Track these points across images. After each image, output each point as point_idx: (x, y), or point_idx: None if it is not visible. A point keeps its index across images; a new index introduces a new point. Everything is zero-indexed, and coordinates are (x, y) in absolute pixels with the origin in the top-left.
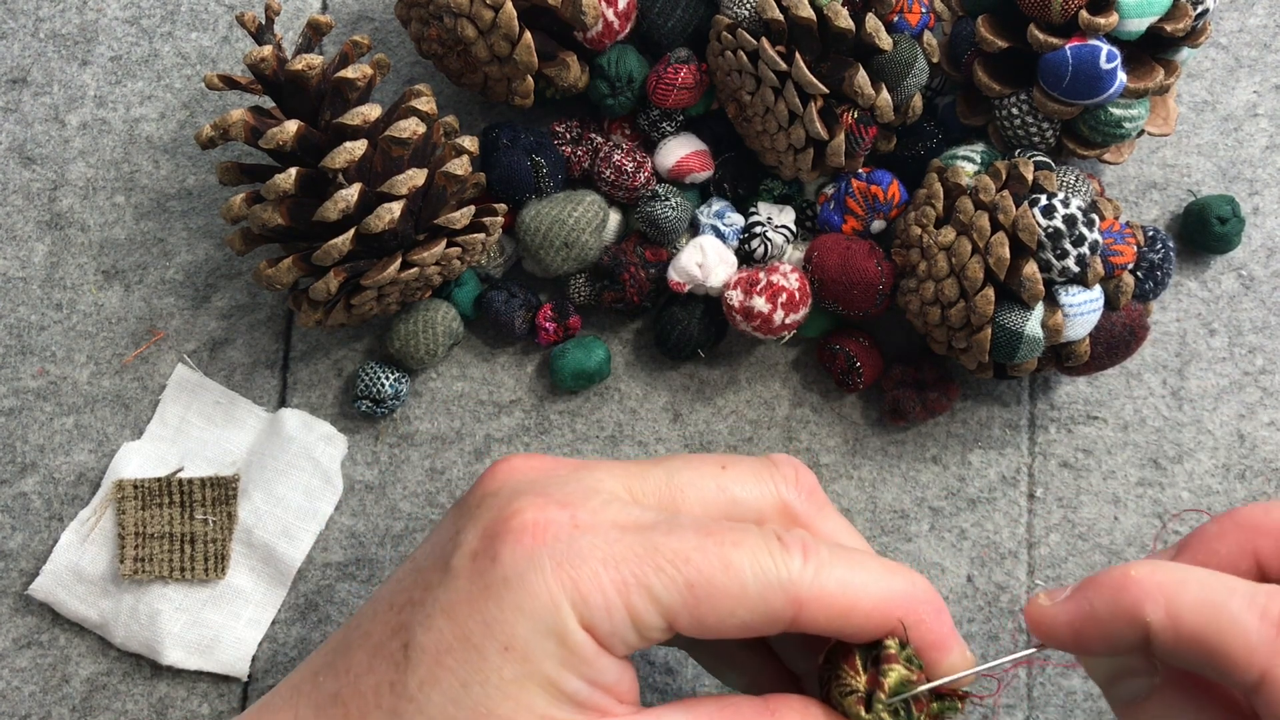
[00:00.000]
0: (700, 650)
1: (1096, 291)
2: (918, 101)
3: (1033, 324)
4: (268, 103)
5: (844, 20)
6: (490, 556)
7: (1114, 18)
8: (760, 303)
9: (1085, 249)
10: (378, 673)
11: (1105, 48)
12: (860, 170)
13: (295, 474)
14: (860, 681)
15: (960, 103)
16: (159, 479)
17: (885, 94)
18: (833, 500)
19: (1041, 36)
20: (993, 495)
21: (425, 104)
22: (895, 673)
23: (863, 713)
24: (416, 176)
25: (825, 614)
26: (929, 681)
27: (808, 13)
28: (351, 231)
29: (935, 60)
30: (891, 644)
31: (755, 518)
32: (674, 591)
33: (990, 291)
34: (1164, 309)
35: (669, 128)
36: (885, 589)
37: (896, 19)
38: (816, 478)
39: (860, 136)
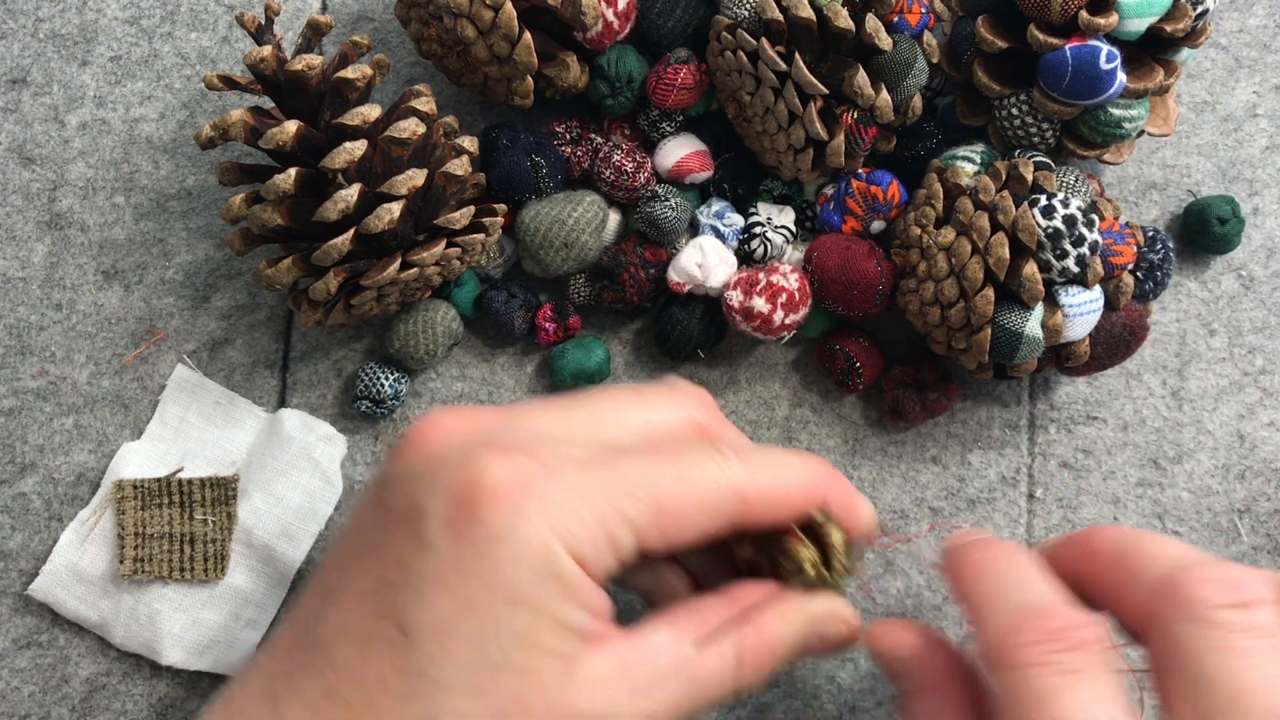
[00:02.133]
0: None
1: (1096, 292)
2: (917, 102)
3: (1032, 324)
4: (267, 103)
5: (844, 20)
6: (471, 518)
7: (1114, 18)
8: (760, 303)
9: (1085, 249)
10: (375, 660)
11: (1105, 48)
12: (860, 170)
13: (295, 474)
14: (811, 552)
15: (960, 103)
16: (159, 479)
17: (885, 94)
18: None
19: (1041, 37)
20: (992, 496)
21: (425, 104)
22: (837, 534)
23: (827, 574)
24: (416, 177)
25: (766, 505)
26: (847, 538)
27: (807, 13)
28: (351, 232)
29: (935, 60)
30: (818, 515)
31: (674, 437)
32: (645, 513)
33: (990, 292)
34: (1164, 309)
35: (669, 128)
36: (805, 474)
37: (896, 19)
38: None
39: (860, 137)
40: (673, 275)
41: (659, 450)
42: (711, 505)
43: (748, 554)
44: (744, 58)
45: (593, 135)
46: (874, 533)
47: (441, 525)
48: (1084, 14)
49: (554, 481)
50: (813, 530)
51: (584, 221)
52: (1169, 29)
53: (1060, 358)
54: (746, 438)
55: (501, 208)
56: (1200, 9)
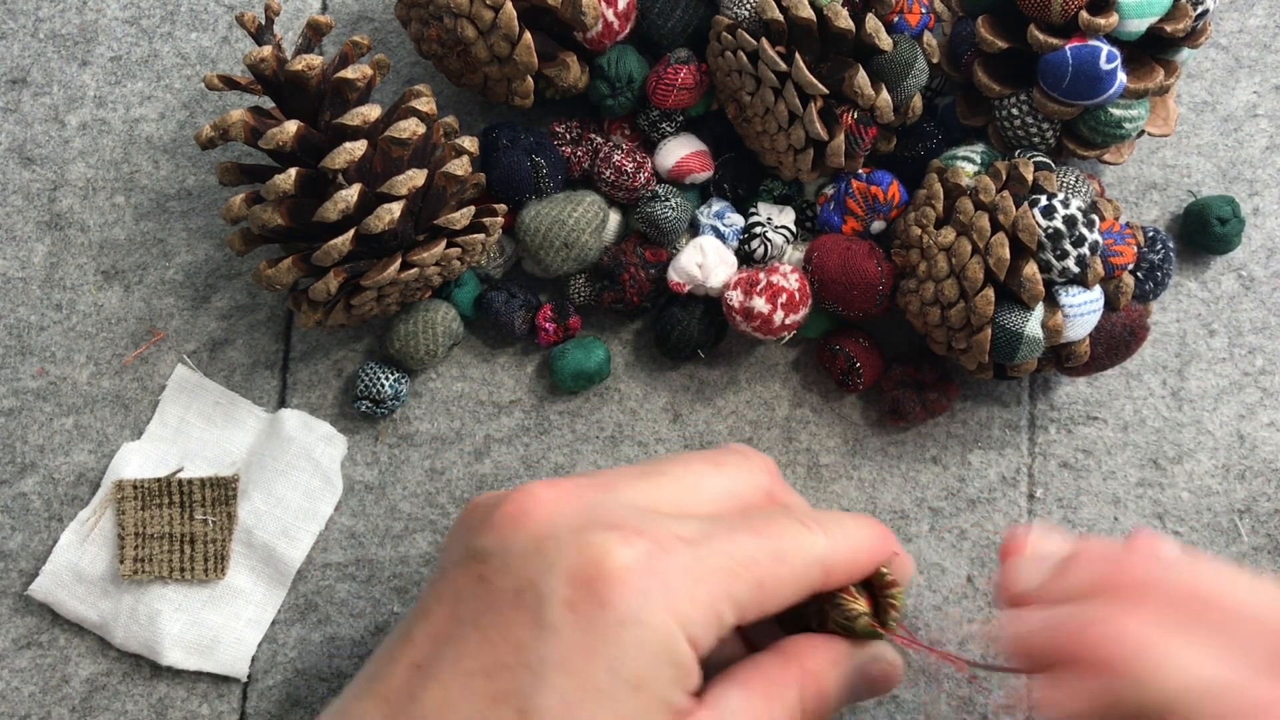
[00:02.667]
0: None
1: (1096, 292)
2: (917, 102)
3: (1033, 324)
4: (267, 103)
5: (844, 21)
6: (598, 603)
7: (1114, 18)
8: (760, 303)
9: (1085, 249)
10: None
11: (1105, 48)
12: (860, 171)
13: (295, 474)
14: (863, 605)
15: (960, 103)
16: (159, 479)
17: (885, 94)
18: (833, 500)
19: (1041, 37)
20: (992, 496)
21: (425, 104)
22: (898, 591)
23: (878, 628)
24: (416, 177)
25: (844, 573)
26: (897, 588)
27: (808, 13)
28: (351, 232)
29: (935, 61)
30: (885, 570)
31: (748, 505)
32: (749, 593)
33: (990, 292)
34: (1164, 309)
35: (669, 128)
36: (874, 539)
37: (896, 19)
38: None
39: (860, 137)
40: (673, 275)
41: (752, 525)
42: (802, 578)
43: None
44: (744, 58)
45: (593, 135)
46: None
47: (564, 608)
48: (1084, 14)
49: (671, 563)
50: (867, 584)
51: (584, 221)
52: (1169, 29)
53: (1060, 358)
54: (806, 501)
55: (501, 208)
56: (1200, 9)
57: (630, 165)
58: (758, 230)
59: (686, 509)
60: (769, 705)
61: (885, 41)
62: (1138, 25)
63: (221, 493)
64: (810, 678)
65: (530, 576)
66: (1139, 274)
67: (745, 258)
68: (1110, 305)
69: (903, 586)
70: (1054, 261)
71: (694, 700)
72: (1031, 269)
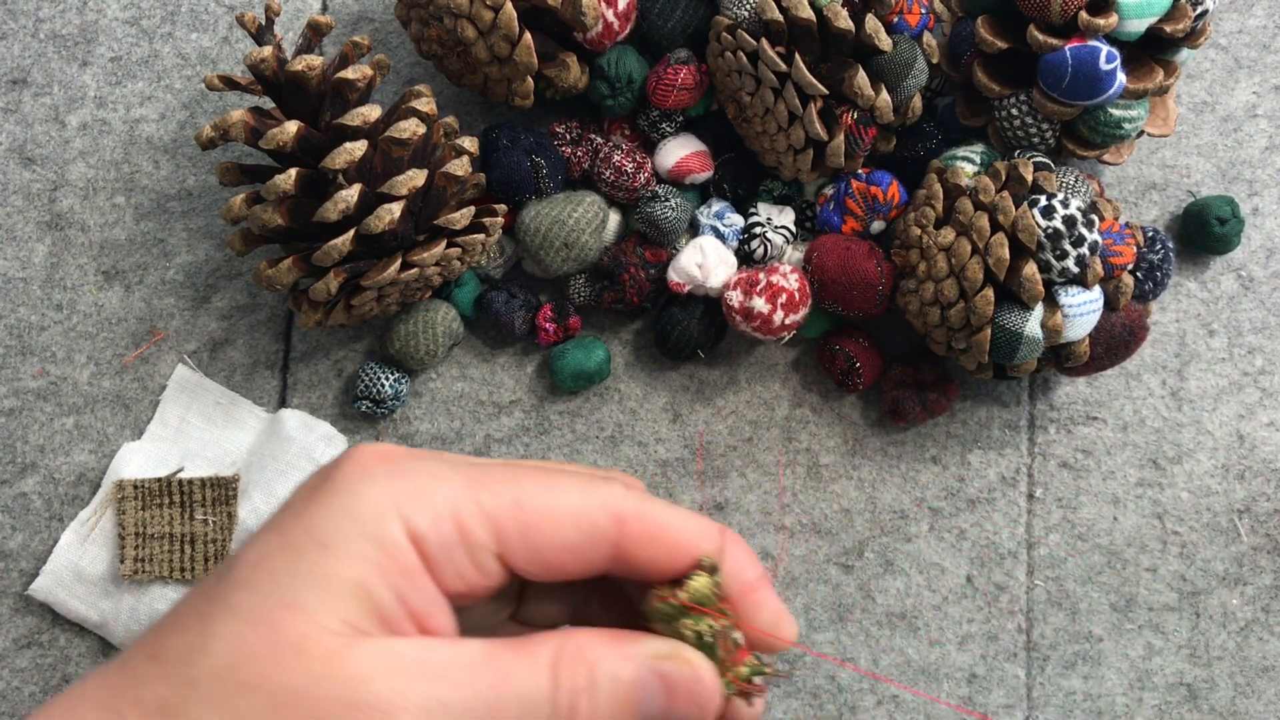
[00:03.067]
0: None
1: (1096, 292)
2: (917, 102)
3: (1032, 324)
4: (268, 103)
5: (844, 21)
6: (324, 477)
7: (1114, 19)
8: (760, 303)
9: (1085, 249)
10: (199, 592)
11: (1105, 48)
12: (860, 171)
13: (295, 474)
14: (668, 595)
15: (960, 103)
16: (159, 479)
17: (885, 95)
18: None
19: (1041, 37)
20: (992, 496)
21: (425, 104)
22: (699, 580)
23: (670, 629)
24: (416, 177)
25: (645, 536)
26: (736, 627)
27: (807, 13)
28: (351, 232)
29: (935, 61)
30: (705, 563)
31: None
32: (502, 505)
33: (990, 292)
34: (1163, 309)
35: (669, 128)
36: (700, 524)
37: (896, 20)
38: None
39: (860, 137)
40: (673, 275)
41: (535, 464)
42: (580, 517)
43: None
44: (744, 58)
45: (593, 135)
46: (785, 639)
47: (303, 490)
48: (1084, 14)
49: (417, 463)
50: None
51: (584, 222)
52: (1169, 29)
53: (1060, 358)
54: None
55: (501, 208)
56: (1200, 10)
57: (630, 165)
58: (758, 230)
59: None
60: (513, 663)
61: (885, 42)
62: (1137, 26)
63: (222, 493)
64: (572, 649)
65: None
66: (1138, 274)
67: (745, 258)
68: (1110, 305)
69: (721, 586)
70: (1054, 261)
71: (408, 613)
72: (1031, 269)
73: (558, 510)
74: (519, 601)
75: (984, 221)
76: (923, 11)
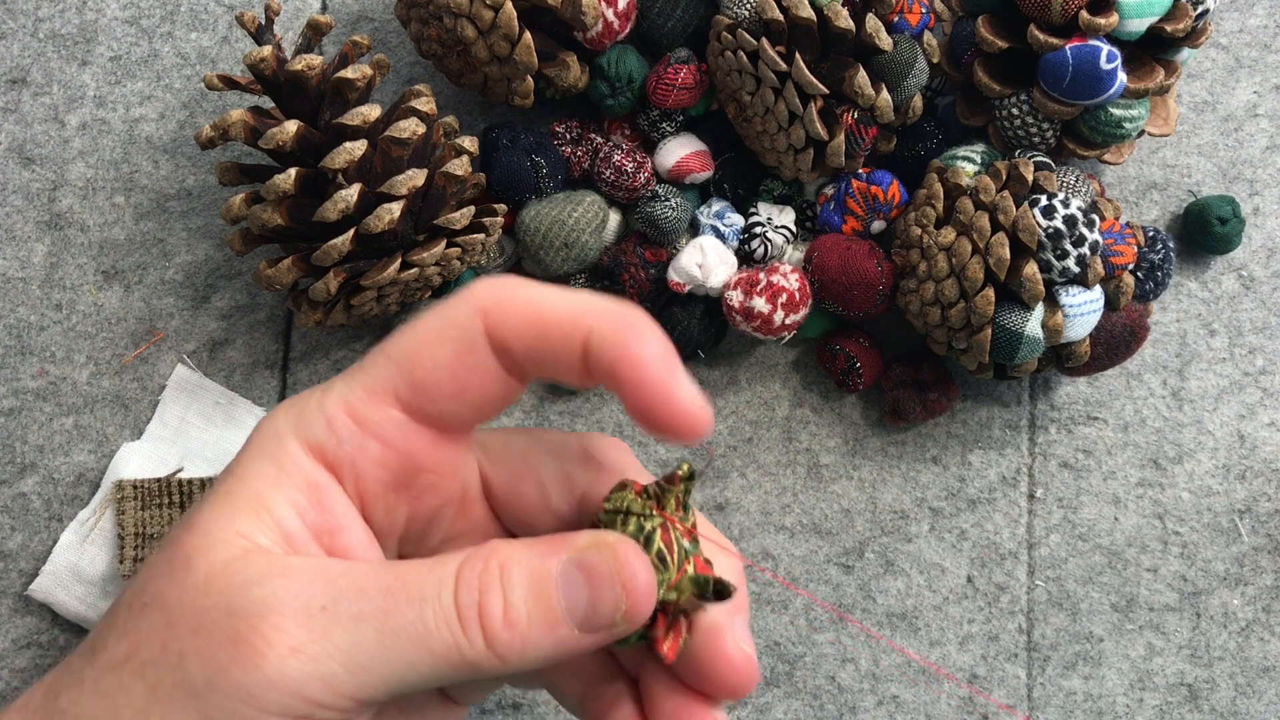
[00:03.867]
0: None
1: (1097, 292)
2: (918, 102)
3: (1033, 324)
4: (267, 103)
5: (844, 20)
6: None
7: (1114, 18)
8: (760, 303)
9: (1085, 249)
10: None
11: (1105, 48)
12: (860, 170)
13: None
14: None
15: (960, 103)
16: (159, 479)
17: (885, 94)
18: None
19: (1042, 37)
20: (993, 496)
21: (425, 104)
22: (624, 495)
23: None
24: (416, 177)
25: (515, 326)
26: (693, 532)
27: (808, 13)
28: (351, 232)
29: (935, 60)
30: (680, 470)
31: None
32: (380, 372)
33: (990, 292)
34: (1164, 309)
35: (669, 128)
36: (576, 299)
37: (896, 19)
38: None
39: (860, 137)
40: (673, 275)
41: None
42: (446, 330)
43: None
44: (744, 58)
45: (593, 135)
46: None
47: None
48: (1084, 14)
49: (313, 389)
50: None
51: (584, 221)
52: (1169, 29)
53: (1061, 358)
54: None
55: (501, 208)
56: (1201, 9)
57: (630, 165)
58: (758, 230)
59: None
60: (413, 567)
61: (885, 41)
62: (1138, 25)
63: None
64: (484, 551)
65: None
66: (1139, 274)
67: (745, 258)
68: (1110, 305)
69: (687, 529)
70: (1054, 261)
71: (313, 531)
72: (1032, 269)
73: (422, 337)
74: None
75: (984, 221)
76: (923, 11)
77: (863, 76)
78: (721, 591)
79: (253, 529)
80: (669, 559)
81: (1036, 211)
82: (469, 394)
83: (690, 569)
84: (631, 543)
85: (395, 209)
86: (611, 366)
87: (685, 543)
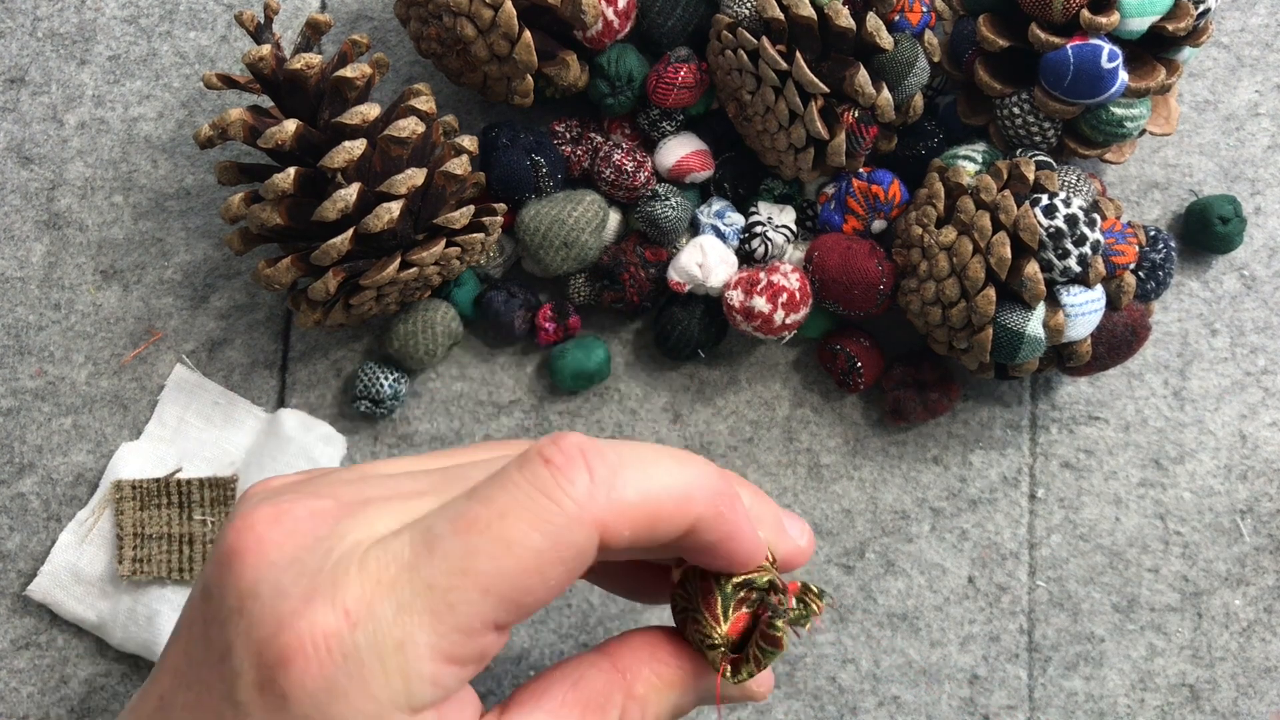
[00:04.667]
0: (604, 583)
1: (1098, 291)
2: (919, 101)
3: (1034, 324)
4: (266, 102)
5: (845, 19)
6: (279, 695)
7: (1115, 17)
8: (760, 303)
9: (1087, 249)
10: None
11: (1107, 47)
12: (861, 170)
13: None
14: (720, 632)
15: (961, 102)
16: (157, 479)
17: (886, 93)
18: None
19: (1043, 36)
20: (994, 496)
21: (424, 103)
22: (782, 624)
23: (729, 674)
24: (416, 176)
25: (631, 530)
26: (779, 600)
27: (808, 12)
28: (350, 231)
29: (936, 59)
30: (759, 578)
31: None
32: (477, 610)
33: (991, 291)
34: (1166, 309)
35: (669, 127)
36: (681, 482)
37: (897, 18)
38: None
39: (861, 136)
40: (673, 275)
41: (464, 510)
42: (554, 556)
43: (672, 581)
44: (744, 57)
45: (593, 134)
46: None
47: (253, 690)
48: (1085, 13)
49: (365, 636)
50: (746, 600)
51: (584, 221)
52: (1171, 28)
53: (1062, 357)
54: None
55: (501, 207)
56: (1202, 8)
57: (630, 164)
58: (758, 230)
59: (443, 485)
60: None
61: (886, 40)
62: (1139, 24)
63: (220, 493)
64: (635, 704)
65: (230, 640)
66: (1140, 273)
67: (745, 257)
68: (1112, 305)
69: (786, 614)
70: (1055, 261)
71: None
72: (1033, 268)
73: (529, 569)
74: None
75: (985, 221)
76: (924, 10)
77: (863, 75)
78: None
79: None
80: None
81: (1038, 211)
82: (564, 588)
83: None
84: (766, 685)
85: (394, 208)
86: (713, 549)
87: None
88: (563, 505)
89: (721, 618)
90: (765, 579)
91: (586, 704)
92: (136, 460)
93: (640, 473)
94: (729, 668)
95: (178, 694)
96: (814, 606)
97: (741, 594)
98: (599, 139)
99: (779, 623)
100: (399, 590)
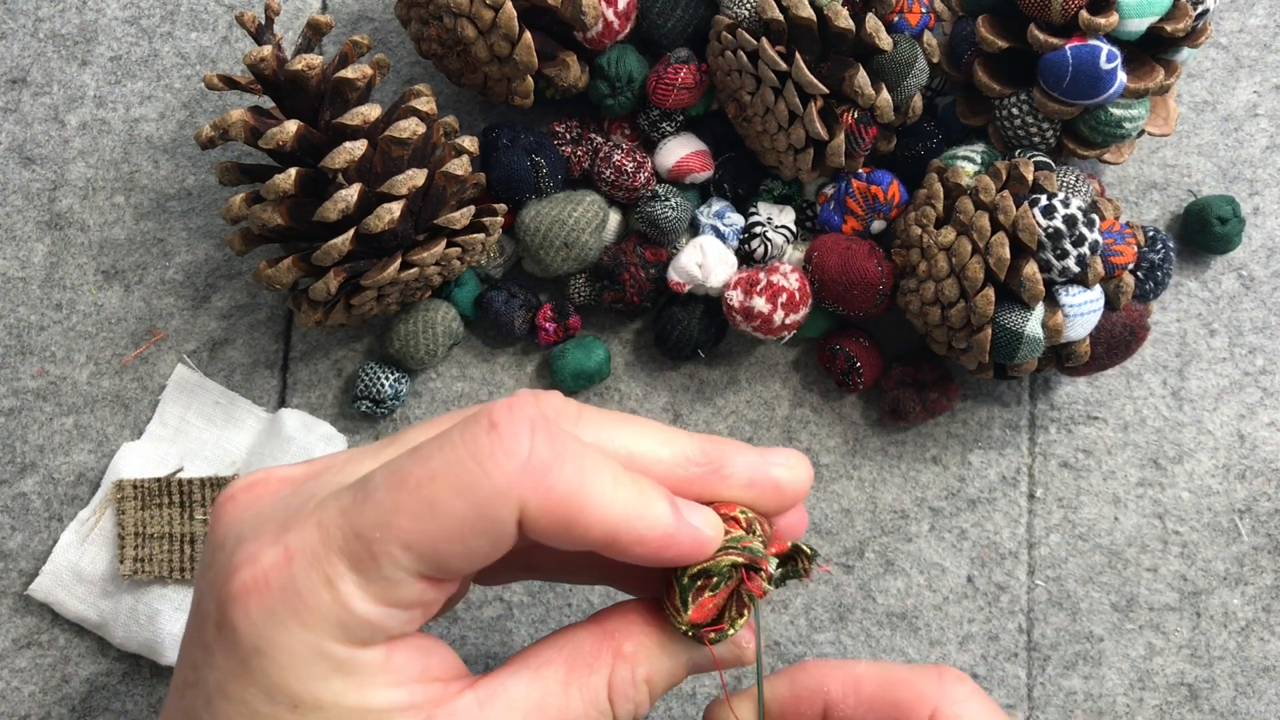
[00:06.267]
0: (544, 573)
1: (1097, 292)
2: (918, 101)
3: (1033, 324)
4: (267, 103)
5: (844, 20)
6: (230, 628)
7: (1114, 18)
8: (760, 303)
9: (1085, 249)
10: None
11: (1105, 48)
12: (860, 170)
13: None
14: (683, 620)
15: (960, 103)
16: (159, 479)
17: (885, 94)
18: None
19: (1042, 36)
20: (993, 495)
21: (425, 104)
22: (757, 592)
23: (702, 638)
24: (416, 176)
25: (548, 525)
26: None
27: (808, 13)
28: (351, 232)
29: (935, 60)
30: (719, 563)
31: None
32: (401, 563)
33: (990, 292)
34: (1164, 309)
35: (669, 128)
36: (617, 510)
37: (896, 19)
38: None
39: (860, 136)
40: (673, 275)
41: (402, 467)
42: (476, 520)
43: None
44: (744, 57)
45: (593, 135)
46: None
47: (213, 629)
48: (1084, 14)
49: (301, 570)
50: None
51: (584, 221)
52: (1169, 29)
53: (1061, 357)
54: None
55: (501, 207)
56: (1200, 9)
57: (630, 165)
58: (758, 230)
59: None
60: (563, 694)
61: (885, 41)
62: (1138, 25)
63: (221, 493)
64: (625, 662)
65: (201, 591)
66: (1139, 274)
67: (745, 257)
68: (1110, 305)
69: (769, 583)
70: (1054, 261)
71: (452, 684)
72: (1032, 268)
73: (449, 527)
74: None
75: (984, 221)
76: (923, 11)
77: (863, 76)
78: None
79: None
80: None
81: (1036, 211)
82: (493, 559)
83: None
84: (748, 646)
85: (395, 209)
86: (642, 562)
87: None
88: (491, 477)
89: (681, 608)
90: (727, 562)
91: (573, 663)
92: (138, 460)
93: (578, 471)
94: (712, 636)
95: (182, 652)
96: (802, 567)
97: (700, 582)
98: (599, 139)
99: (745, 611)
100: (333, 534)
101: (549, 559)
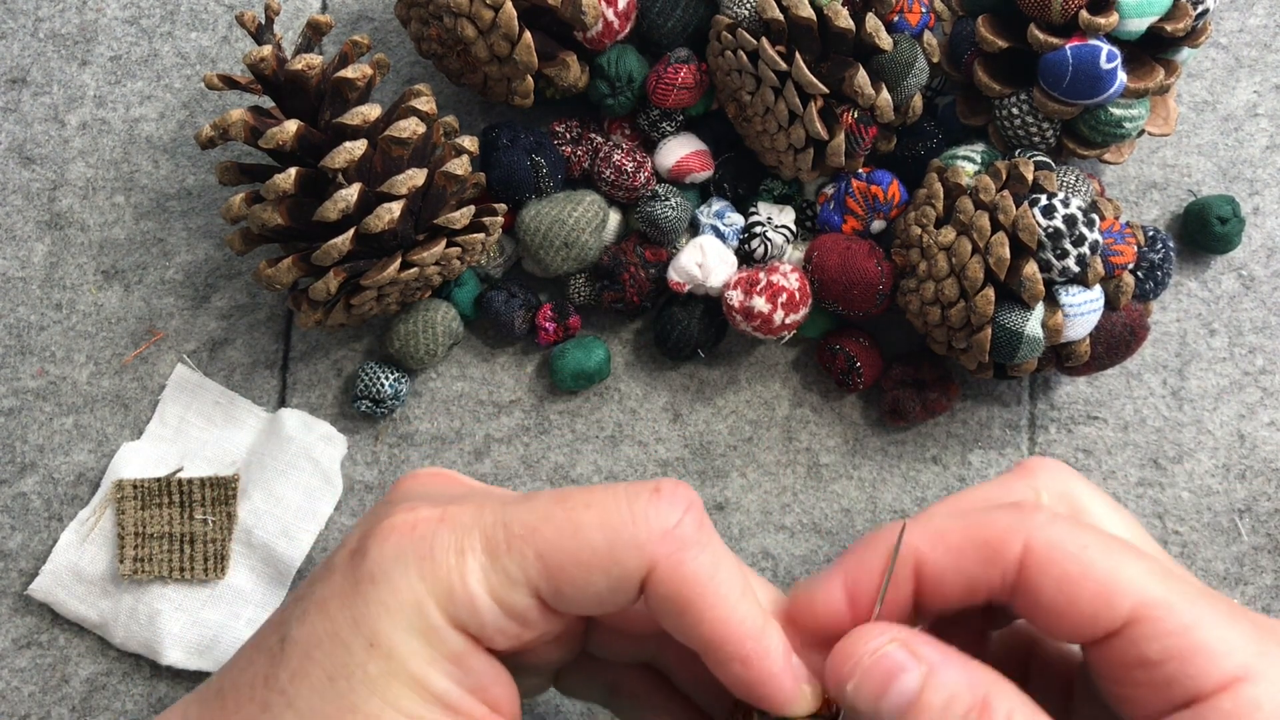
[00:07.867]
0: (622, 705)
1: (1096, 291)
2: (918, 101)
3: (1033, 324)
4: (267, 103)
5: (844, 20)
6: (361, 553)
7: (1114, 18)
8: (760, 303)
9: (1085, 249)
10: (256, 665)
11: (1105, 48)
12: (860, 170)
13: (295, 474)
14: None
15: (960, 103)
16: (158, 479)
17: (885, 94)
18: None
19: (1042, 36)
20: None
21: (425, 104)
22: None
23: None
24: (416, 176)
25: (667, 591)
26: None
27: (808, 13)
28: (351, 231)
29: (935, 60)
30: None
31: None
32: (527, 566)
33: (990, 291)
34: (1164, 309)
35: (669, 128)
36: (744, 611)
37: (896, 19)
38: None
39: (860, 136)
40: (673, 275)
41: (566, 494)
42: (606, 561)
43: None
44: (744, 57)
45: (593, 135)
46: None
47: (345, 554)
48: (1084, 14)
49: (445, 532)
50: None
51: (584, 221)
52: (1169, 29)
53: (1060, 357)
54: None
55: (501, 207)
56: (1200, 9)
57: (630, 165)
58: (758, 230)
59: None
60: None
61: (885, 41)
62: (1138, 25)
63: (221, 492)
64: None
65: (358, 527)
66: (1139, 273)
67: (745, 257)
68: (1110, 305)
69: None
70: (1054, 261)
71: (497, 716)
72: (1031, 268)
73: (582, 560)
74: (588, 633)
75: (984, 221)
76: (923, 10)
77: (863, 76)
78: None
79: (421, 708)
80: None
81: (1036, 211)
82: (609, 608)
83: None
84: None
85: (395, 209)
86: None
87: None
88: (635, 526)
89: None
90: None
91: None
92: (138, 460)
93: (714, 564)
94: None
95: (306, 580)
96: None
97: None
98: (599, 139)
99: None
100: (485, 517)
101: (630, 651)
